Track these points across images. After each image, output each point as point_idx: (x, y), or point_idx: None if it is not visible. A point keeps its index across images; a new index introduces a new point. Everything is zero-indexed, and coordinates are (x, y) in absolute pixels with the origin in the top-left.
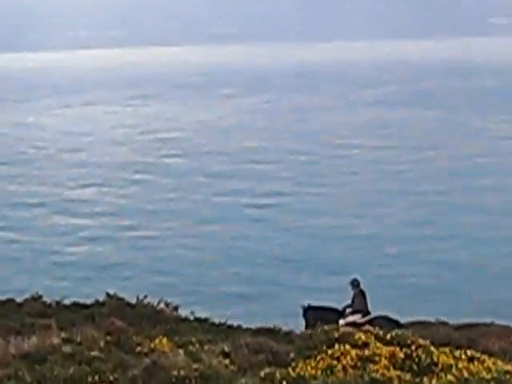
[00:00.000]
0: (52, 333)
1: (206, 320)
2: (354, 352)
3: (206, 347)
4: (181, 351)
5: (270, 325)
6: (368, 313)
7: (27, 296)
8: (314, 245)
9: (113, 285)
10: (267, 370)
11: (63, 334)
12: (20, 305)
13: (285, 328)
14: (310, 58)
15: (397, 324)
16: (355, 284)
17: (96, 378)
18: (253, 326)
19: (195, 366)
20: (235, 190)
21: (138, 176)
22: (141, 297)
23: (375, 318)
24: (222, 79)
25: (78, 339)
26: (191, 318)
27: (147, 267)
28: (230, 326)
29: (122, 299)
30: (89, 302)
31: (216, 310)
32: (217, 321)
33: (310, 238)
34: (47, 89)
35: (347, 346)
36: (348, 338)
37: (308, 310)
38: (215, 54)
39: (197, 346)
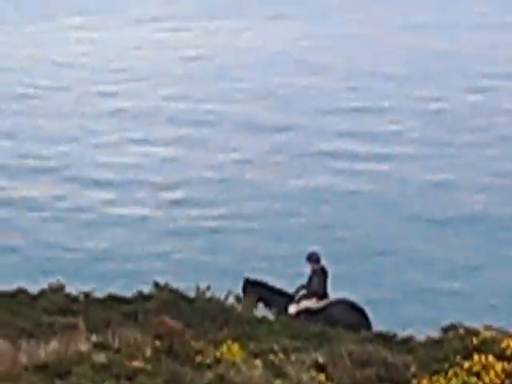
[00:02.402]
0: (79, 336)
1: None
2: (500, 366)
3: (292, 357)
4: (258, 362)
5: (382, 328)
6: (325, 296)
7: (44, 286)
8: None
9: (160, 273)
10: None
11: (94, 338)
12: (35, 298)
13: (402, 333)
14: None
15: (361, 313)
16: (314, 259)
17: None
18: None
19: (278, 382)
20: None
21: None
22: (202, 287)
23: (332, 304)
24: None
25: (116, 345)
26: (272, 317)
27: (202, 244)
28: (327, 330)
29: (175, 291)
30: (129, 294)
31: None
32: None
33: None
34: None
35: (490, 357)
36: (491, 346)
37: (247, 285)
38: None
39: (280, 355)
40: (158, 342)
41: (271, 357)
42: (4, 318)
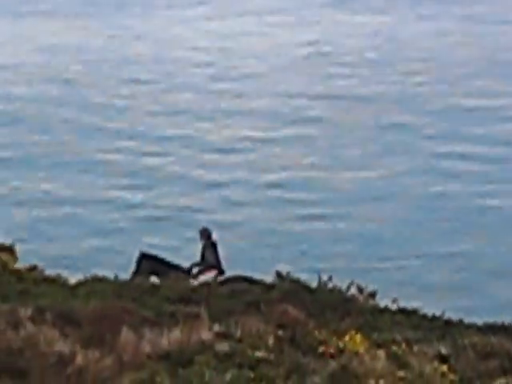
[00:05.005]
0: (201, 325)
1: (414, 312)
2: None
3: (415, 348)
4: (381, 353)
5: (504, 319)
6: (222, 271)
7: None
8: None
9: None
10: (502, 380)
11: (217, 327)
12: (157, 286)
13: None
14: None
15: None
16: (206, 234)
17: None
18: (479, 321)
19: (401, 373)
20: None
21: None
22: (324, 278)
23: (230, 280)
24: None
25: (238, 334)
26: (394, 308)
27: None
28: (449, 321)
29: (297, 281)
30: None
31: (430, 298)
32: (429, 313)
33: None
34: None
35: None
36: None
37: (143, 260)
38: None
39: (403, 346)
40: (280, 332)
41: (394, 348)
42: (127, 306)
